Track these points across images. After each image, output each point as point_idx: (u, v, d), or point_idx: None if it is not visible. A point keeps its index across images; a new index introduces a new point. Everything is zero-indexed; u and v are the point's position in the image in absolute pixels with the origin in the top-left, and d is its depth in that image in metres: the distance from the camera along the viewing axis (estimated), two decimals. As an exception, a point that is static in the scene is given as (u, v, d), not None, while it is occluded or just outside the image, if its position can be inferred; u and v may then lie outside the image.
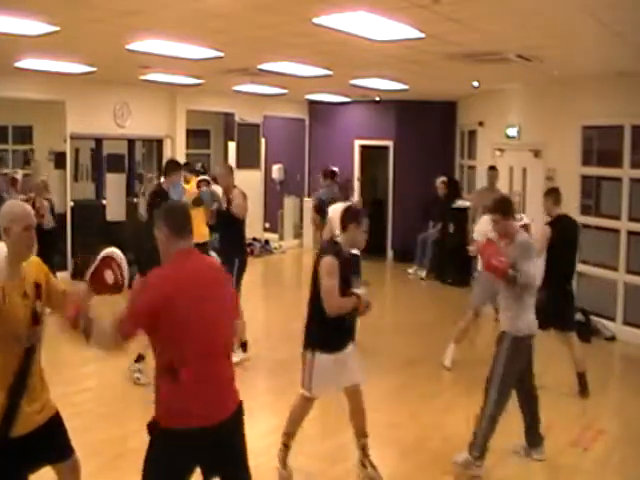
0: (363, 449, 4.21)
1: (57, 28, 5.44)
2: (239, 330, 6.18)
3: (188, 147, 11.79)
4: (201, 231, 6.61)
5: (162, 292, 2.64)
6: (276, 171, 13.19)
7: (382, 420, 4.98)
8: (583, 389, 5.84)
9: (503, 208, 4.28)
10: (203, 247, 6.30)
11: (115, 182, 10.40)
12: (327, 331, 3.98)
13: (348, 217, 4.06)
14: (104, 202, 10.66)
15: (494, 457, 4.59)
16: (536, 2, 4.38)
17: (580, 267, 8.03)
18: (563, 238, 5.81)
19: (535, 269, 4.26)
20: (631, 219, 7.43)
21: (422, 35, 5.37)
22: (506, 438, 4.92)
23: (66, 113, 9.58)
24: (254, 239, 12.17)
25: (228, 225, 6.29)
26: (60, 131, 9.75)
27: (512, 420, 4.57)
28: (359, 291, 3.99)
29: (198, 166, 14.35)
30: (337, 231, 4.45)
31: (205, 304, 2.71)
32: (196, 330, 2.67)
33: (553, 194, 6.04)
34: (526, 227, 5.52)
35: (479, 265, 6.37)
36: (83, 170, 12.07)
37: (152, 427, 2.73)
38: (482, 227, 6.12)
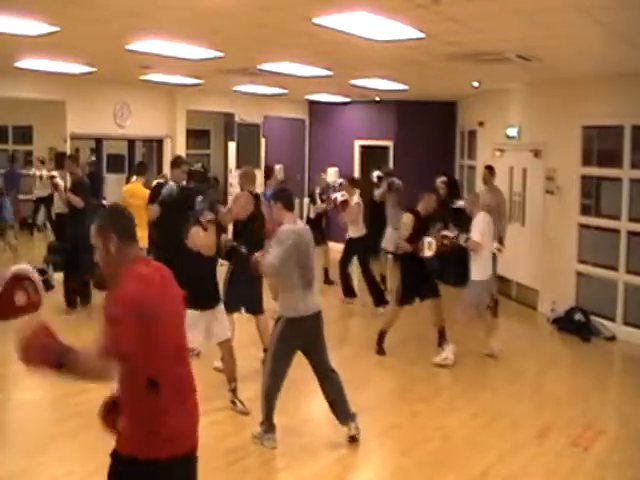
0: (233, 391, 5.18)
1: (57, 28, 5.44)
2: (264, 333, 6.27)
3: (188, 147, 11.77)
4: (141, 234, 6.61)
5: (139, 303, 2.37)
6: (276, 171, 13.18)
7: (382, 420, 4.98)
8: (442, 341, 6.70)
9: (282, 200, 4.70)
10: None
11: (115, 182, 10.41)
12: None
13: None
14: (104, 202, 10.66)
15: (493, 457, 4.60)
16: (536, 2, 4.38)
17: (580, 267, 8.06)
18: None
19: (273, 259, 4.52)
20: (631, 219, 7.42)
21: (422, 35, 5.37)
22: (502, 437, 4.94)
23: (66, 113, 9.56)
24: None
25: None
26: (60, 131, 9.75)
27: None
28: None
29: (198, 166, 14.36)
30: None
31: (170, 309, 2.56)
32: (167, 338, 2.49)
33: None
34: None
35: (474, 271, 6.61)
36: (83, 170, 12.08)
37: (126, 462, 2.43)
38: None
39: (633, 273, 7.41)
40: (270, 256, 4.54)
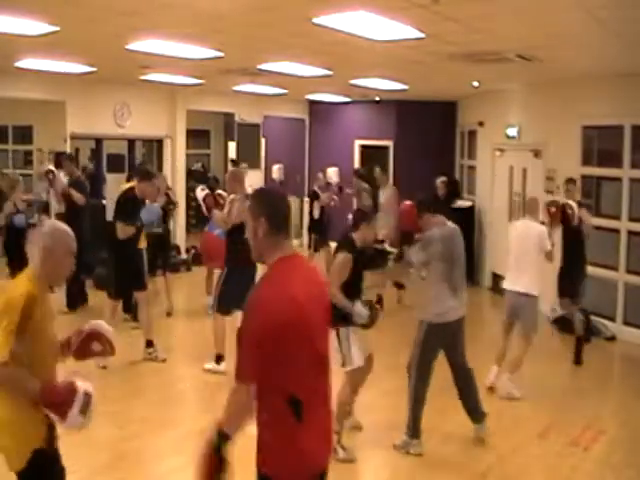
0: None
1: (57, 28, 5.45)
2: None
3: (188, 147, 11.79)
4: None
5: (278, 317, 2.17)
6: (276, 171, 13.17)
7: (382, 420, 4.99)
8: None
9: (427, 207, 4.79)
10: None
11: (115, 182, 10.39)
12: None
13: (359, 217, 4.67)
14: (104, 202, 10.66)
15: (494, 456, 4.60)
16: (536, 2, 4.38)
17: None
18: None
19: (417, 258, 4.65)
20: (631, 219, 7.43)
21: (422, 35, 5.37)
22: (502, 437, 4.94)
23: (66, 113, 9.57)
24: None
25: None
26: (60, 131, 9.75)
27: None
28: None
29: (198, 166, 14.37)
30: None
31: (314, 319, 2.31)
32: (309, 350, 2.28)
33: None
34: None
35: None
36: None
37: None
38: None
39: (633, 273, 7.41)
40: (413, 256, 4.62)
